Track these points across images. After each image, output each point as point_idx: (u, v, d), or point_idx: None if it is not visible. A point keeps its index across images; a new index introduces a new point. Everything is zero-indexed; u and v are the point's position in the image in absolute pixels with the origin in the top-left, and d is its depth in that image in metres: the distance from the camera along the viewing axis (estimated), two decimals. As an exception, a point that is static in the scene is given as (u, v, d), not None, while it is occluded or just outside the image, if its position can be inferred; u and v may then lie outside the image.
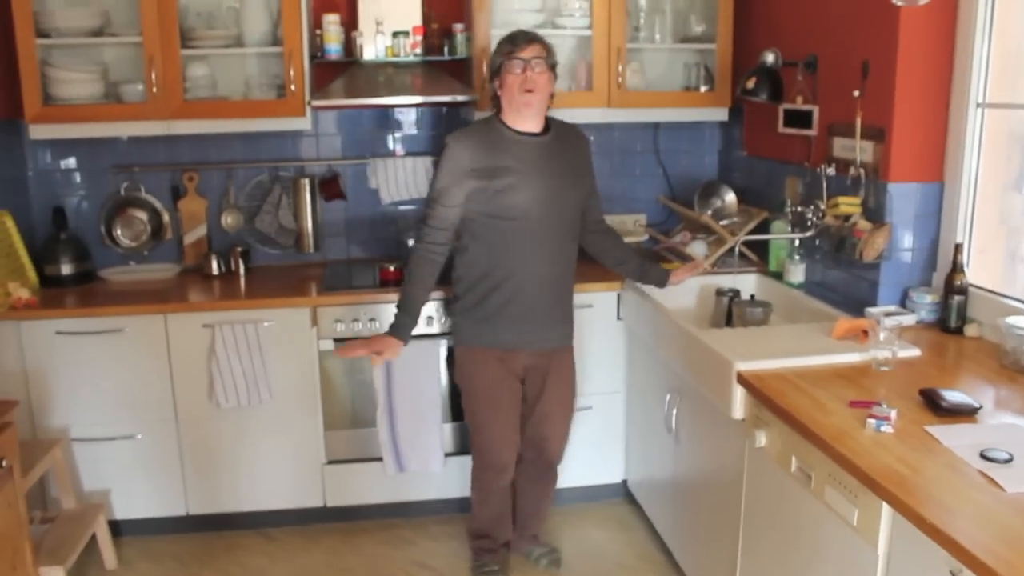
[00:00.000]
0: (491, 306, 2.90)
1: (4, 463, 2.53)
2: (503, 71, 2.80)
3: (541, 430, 3.11)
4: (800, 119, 3.28)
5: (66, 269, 3.62)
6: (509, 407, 3.02)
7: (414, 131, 3.97)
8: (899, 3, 2.51)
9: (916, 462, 1.85)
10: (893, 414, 2.03)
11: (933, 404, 2.12)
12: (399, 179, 3.85)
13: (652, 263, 3.28)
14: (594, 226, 3.12)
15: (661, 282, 3.22)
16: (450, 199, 2.82)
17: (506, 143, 2.84)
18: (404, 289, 2.92)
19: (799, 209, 3.22)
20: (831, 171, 3.04)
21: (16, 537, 2.63)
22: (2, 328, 3.24)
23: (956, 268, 2.71)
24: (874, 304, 2.90)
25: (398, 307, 2.92)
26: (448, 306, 3.23)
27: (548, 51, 2.83)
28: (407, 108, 3.93)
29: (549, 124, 2.93)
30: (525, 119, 2.85)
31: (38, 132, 3.46)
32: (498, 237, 2.84)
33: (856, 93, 2.90)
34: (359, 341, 3.00)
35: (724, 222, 3.66)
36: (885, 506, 1.79)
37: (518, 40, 2.81)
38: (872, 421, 2.02)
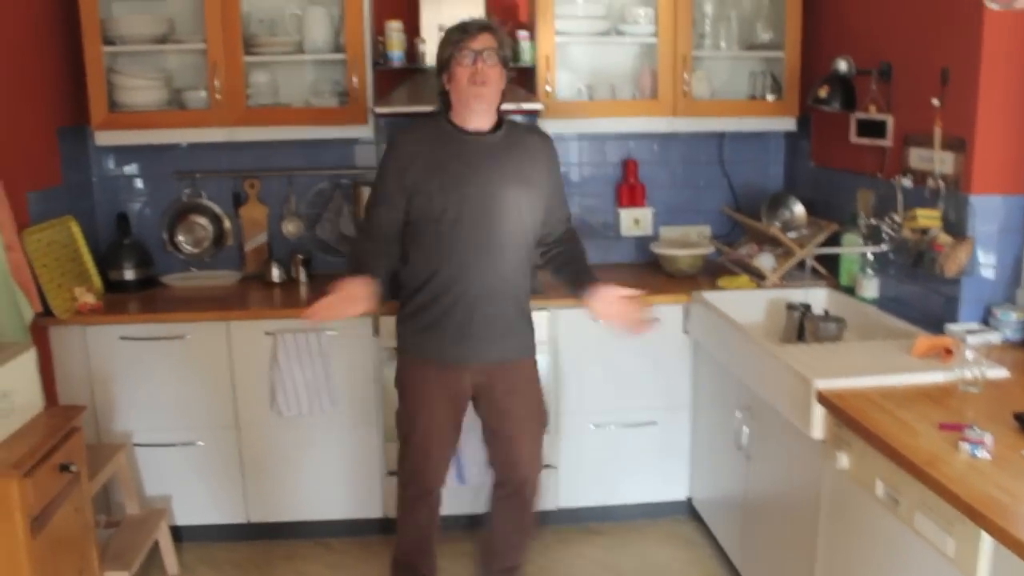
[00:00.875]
0: (431, 316, 2.69)
1: (73, 468, 2.53)
2: (452, 63, 2.60)
3: (506, 453, 2.85)
4: (873, 129, 3.20)
5: (129, 275, 3.65)
6: (442, 426, 2.78)
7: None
8: (994, 6, 2.42)
9: (1017, 489, 1.76)
10: (988, 438, 1.95)
11: (1029, 428, 2.03)
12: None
13: (584, 275, 2.82)
14: (549, 237, 2.86)
15: (579, 294, 2.79)
16: (388, 197, 2.67)
17: (449, 141, 2.66)
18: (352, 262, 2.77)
19: (872, 222, 3.13)
20: (907, 183, 2.95)
21: (83, 542, 2.65)
22: (68, 332, 3.26)
23: (1043, 285, 2.62)
24: (954, 321, 2.80)
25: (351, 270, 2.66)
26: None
27: (501, 42, 2.63)
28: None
29: (501, 123, 2.72)
30: (475, 115, 2.64)
31: (103, 138, 3.49)
32: (435, 242, 2.64)
33: (935, 102, 2.81)
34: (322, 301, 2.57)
35: (792, 234, 3.58)
36: (985, 536, 1.70)
37: (469, 29, 2.61)
38: (966, 445, 1.94)
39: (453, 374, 2.73)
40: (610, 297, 2.72)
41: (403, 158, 2.65)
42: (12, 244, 2.91)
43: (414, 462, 2.83)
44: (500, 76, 2.62)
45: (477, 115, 2.65)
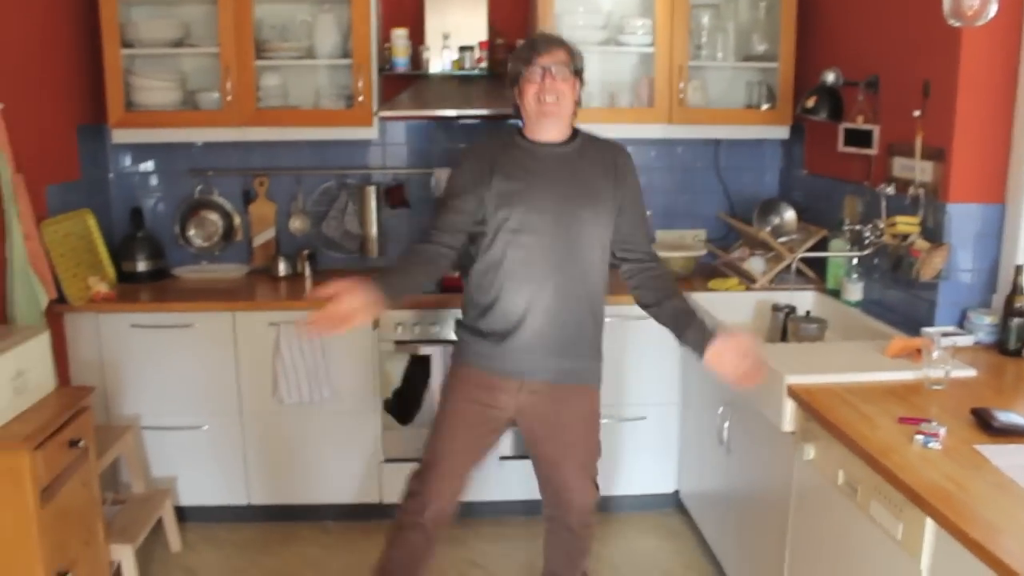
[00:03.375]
0: (486, 326, 2.59)
1: (81, 444, 2.67)
2: (521, 80, 2.55)
3: (555, 481, 2.70)
4: (860, 138, 3.30)
5: (142, 266, 3.79)
6: (465, 443, 2.64)
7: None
8: (955, 23, 2.52)
9: (963, 479, 1.86)
10: (942, 431, 2.05)
11: (984, 424, 2.12)
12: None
13: (692, 319, 2.56)
14: (631, 255, 2.67)
15: (698, 349, 2.51)
16: (458, 205, 2.58)
17: (518, 152, 2.59)
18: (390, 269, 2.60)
19: (857, 228, 3.23)
20: (890, 190, 3.04)
21: (90, 514, 2.78)
22: (82, 319, 3.41)
23: (1016, 290, 2.70)
24: (931, 324, 2.90)
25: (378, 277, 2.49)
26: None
27: (572, 56, 2.57)
28: (471, 120, 4.02)
29: (576, 135, 2.66)
30: (544, 129, 2.58)
31: (120, 136, 3.64)
32: (498, 252, 2.54)
33: (916, 113, 2.91)
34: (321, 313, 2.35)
35: (783, 239, 3.68)
36: (929, 521, 1.80)
37: (538, 45, 2.55)
38: (920, 437, 2.04)
39: (499, 391, 2.61)
40: (735, 351, 2.44)
41: (473, 167, 2.59)
42: (30, 234, 3.06)
43: (424, 468, 2.67)
44: (572, 89, 2.56)
45: (547, 129, 2.58)
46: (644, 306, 2.71)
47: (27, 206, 3.05)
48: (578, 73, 2.60)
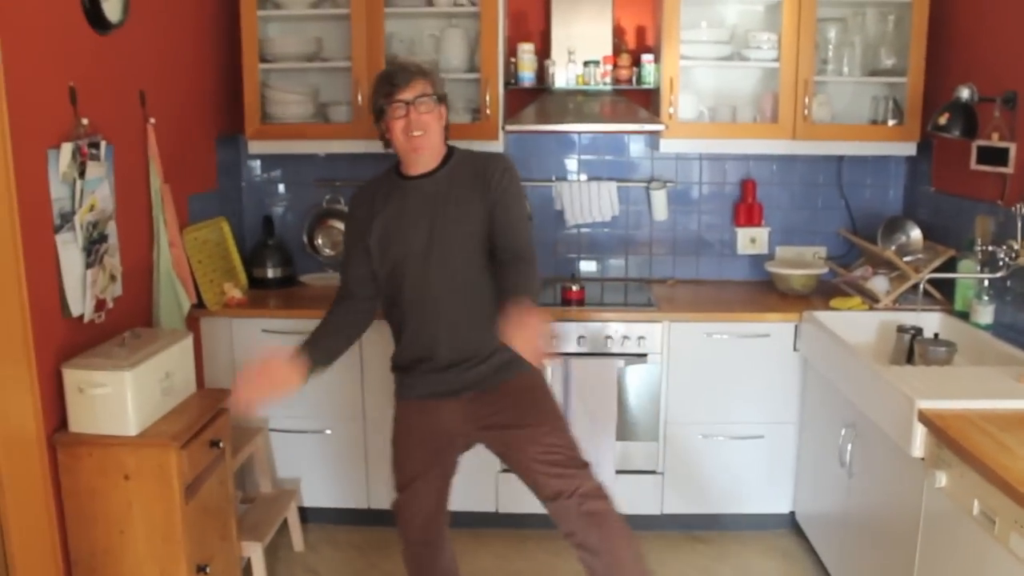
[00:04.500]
0: (407, 358, 2.66)
1: (220, 444, 2.81)
2: (386, 116, 2.53)
3: (535, 478, 2.60)
4: (995, 156, 3.20)
5: (272, 273, 3.96)
6: (427, 470, 2.69)
7: (599, 157, 4.10)
8: None
9: (1111, 515, 1.81)
10: (1087, 464, 1.99)
11: None
12: (583, 202, 3.98)
13: (509, 298, 2.34)
14: (502, 253, 2.56)
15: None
16: (354, 256, 2.68)
17: (392, 192, 2.63)
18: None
19: (990, 248, 3.14)
20: (1027, 211, 2.96)
21: (226, 511, 2.92)
22: (217, 323, 3.57)
23: None
24: (1069, 351, 2.81)
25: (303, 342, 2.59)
26: None
27: (434, 83, 2.55)
28: (595, 135, 4.05)
29: (450, 156, 2.65)
30: (417, 163, 2.59)
31: (256, 147, 3.80)
32: (396, 292, 2.62)
33: (1059, 132, 2.82)
34: (247, 374, 2.45)
35: (908, 259, 3.60)
36: (1075, 557, 1.77)
37: (396, 79, 2.50)
38: (1064, 470, 1.99)
39: (440, 413, 2.66)
40: (522, 322, 2.24)
41: (356, 216, 2.69)
42: (175, 241, 3.23)
43: (400, 509, 2.76)
44: (439, 118, 2.57)
45: (418, 163, 2.60)
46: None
47: (172, 215, 3.23)
48: (442, 99, 2.59)
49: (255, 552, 3.16)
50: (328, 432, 3.65)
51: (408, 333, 2.65)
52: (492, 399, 2.65)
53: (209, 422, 2.78)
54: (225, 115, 3.89)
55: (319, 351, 2.58)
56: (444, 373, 2.62)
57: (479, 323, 2.59)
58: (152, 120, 3.11)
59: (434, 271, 2.56)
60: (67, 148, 2.55)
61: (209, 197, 3.77)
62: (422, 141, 2.53)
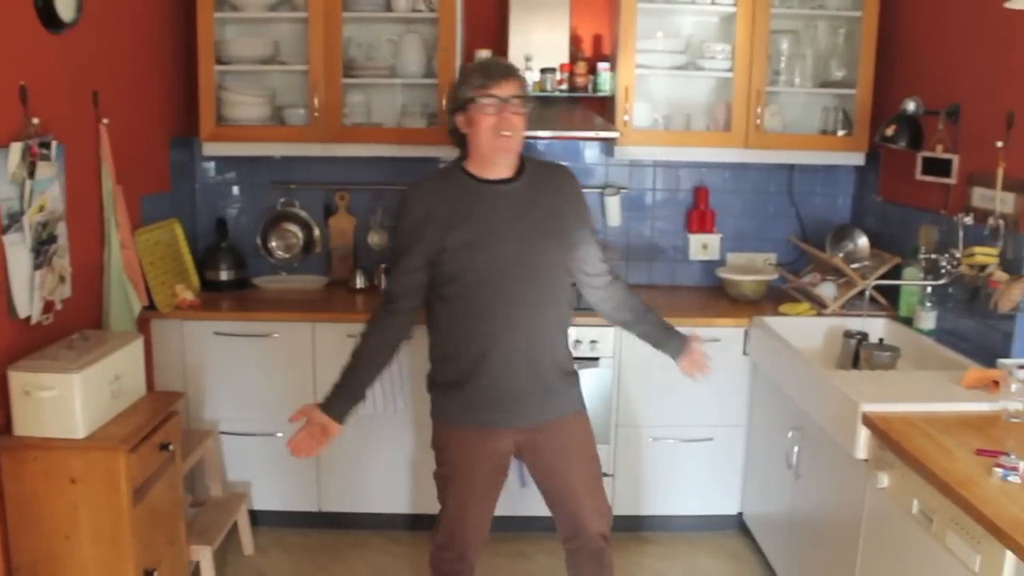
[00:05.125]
0: (461, 381, 2.50)
1: (170, 448, 2.79)
2: (472, 110, 2.39)
3: (567, 507, 2.65)
4: (939, 167, 3.29)
5: (225, 275, 3.92)
6: (481, 492, 2.61)
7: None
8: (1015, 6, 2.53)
9: (1044, 514, 1.87)
10: (1021, 465, 2.05)
11: (1064, 459, 2.12)
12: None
13: (671, 331, 2.77)
14: (596, 280, 2.67)
15: (676, 355, 2.77)
16: (411, 264, 2.47)
17: (467, 194, 2.46)
18: (348, 361, 2.57)
19: (933, 256, 3.22)
20: (968, 220, 3.03)
21: (174, 515, 2.90)
22: (168, 326, 3.54)
23: (1096, 325, 2.68)
24: (1008, 356, 2.87)
25: (336, 383, 2.56)
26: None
27: (524, 87, 2.47)
28: (550, 141, 4.07)
29: (523, 166, 2.52)
30: (497, 166, 2.46)
31: (210, 149, 3.77)
32: (464, 303, 2.46)
33: (999, 144, 2.90)
34: (300, 433, 2.52)
35: (855, 265, 3.68)
36: (1009, 555, 1.81)
37: (493, 73, 2.40)
38: (999, 470, 2.04)
39: (492, 439, 2.56)
40: (698, 354, 2.77)
41: (418, 219, 2.45)
42: (126, 242, 3.20)
43: (449, 524, 2.65)
44: (524, 123, 2.45)
45: (500, 166, 2.47)
46: (620, 323, 2.83)
47: (124, 216, 3.19)
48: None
49: (204, 556, 3.13)
50: (279, 435, 3.61)
51: (474, 348, 2.47)
52: (548, 438, 2.59)
53: (159, 425, 2.75)
54: (180, 116, 3.86)
55: (348, 392, 2.55)
56: (505, 398, 2.50)
57: (555, 343, 2.57)
58: (105, 120, 3.08)
59: (524, 280, 2.45)
60: (16, 148, 2.51)
61: (162, 198, 3.74)
62: (511, 143, 2.42)
